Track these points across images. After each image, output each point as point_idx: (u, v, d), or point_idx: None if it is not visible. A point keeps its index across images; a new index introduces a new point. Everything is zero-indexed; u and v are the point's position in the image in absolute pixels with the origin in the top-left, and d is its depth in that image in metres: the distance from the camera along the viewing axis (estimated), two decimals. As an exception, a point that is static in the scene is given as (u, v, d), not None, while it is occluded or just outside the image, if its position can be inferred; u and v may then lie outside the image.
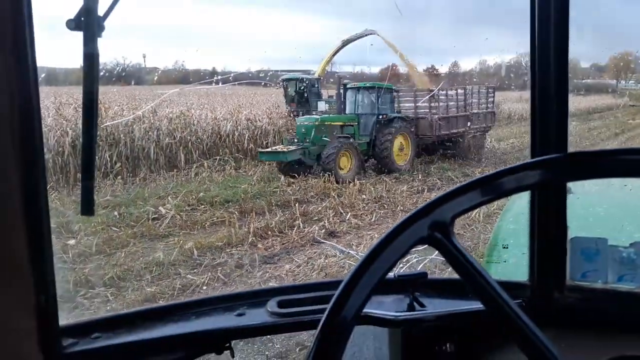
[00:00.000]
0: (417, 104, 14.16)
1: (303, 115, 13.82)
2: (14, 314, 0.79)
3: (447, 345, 1.10)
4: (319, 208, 8.76)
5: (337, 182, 10.80)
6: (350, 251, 6.64)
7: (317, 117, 12.75)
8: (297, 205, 8.76)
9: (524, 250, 1.61)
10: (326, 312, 0.63)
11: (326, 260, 6.38)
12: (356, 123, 12.97)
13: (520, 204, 2.27)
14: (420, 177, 11.69)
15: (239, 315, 1.09)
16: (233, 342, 1.08)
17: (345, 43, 16.73)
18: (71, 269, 5.78)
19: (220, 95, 17.58)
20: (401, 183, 10.93)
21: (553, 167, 0.65)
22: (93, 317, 1.05)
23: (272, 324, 1.07)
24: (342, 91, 13.54)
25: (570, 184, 1.17)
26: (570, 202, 1.11)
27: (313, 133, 11.88)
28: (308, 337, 4.46)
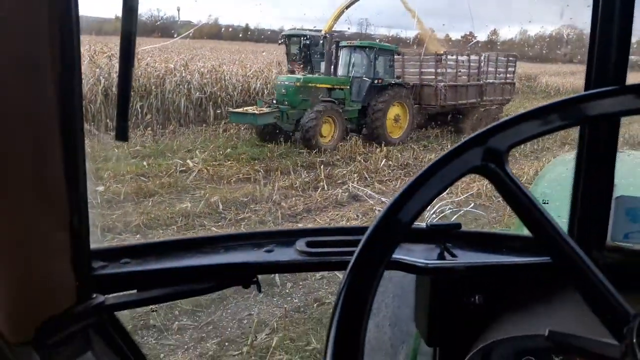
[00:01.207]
0: (422, 70, 12.72)
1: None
2: (49, 232, 0.80)
3: (476, 297, 1.08)
4: (344, 172, 8.74)
5: (312, 150, 9.80)
6: (382, 198, 6.65)
7: (299, 77, 11.16)
8: (322, 167, 8.76)
9: (560, 214, 1.57)
10: (370, 228, 0.60)
11: (348, 223, 6.40)
12: (347, 87, 11.42)
13: (555, 170, 2.20)
14: (449, 146, 11.47)
15: (268, 251, 1.09)
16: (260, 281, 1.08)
17: None
18: (99, 214, 5.94)
19: (251, 52, 17.46)
20: (429, 151, 10.78)
21: (614, 98, 0.61)
22: (123, 244, 1.06)
23: (299, 262, 1.06)
24: (333, 50, 11.84)
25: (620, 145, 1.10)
26: (619, 160, 1.06)
27: (293, 95, 10.51)
28: (326, 294, 4.54)
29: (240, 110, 10.72)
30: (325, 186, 7.79)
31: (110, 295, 0.94)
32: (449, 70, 12.70)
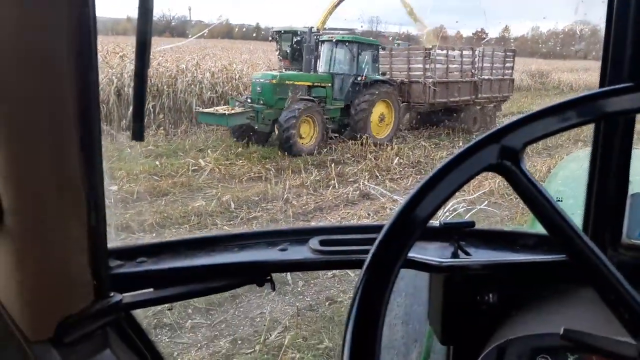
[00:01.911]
0: (410, 65, 12.02)
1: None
2: (67, 231, 0.82)
3: (490, 296, 1.08)
4: (355, 170, 8.74)
5: (292, 154, 9.18)
6: (395, 196, 6.65)
7: (275, 74, 10.38)
8: (332, 165, 8.77)
9: (574, 212, 1.56)
10: (385, 229, 0.60)
11: (359, 222, 6.40)
12: (329, 84, 10.67)
13: (570, 167, 2.19)
14: (461, 144, 11.42)
15: (282, 250, 1.09)
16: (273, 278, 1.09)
17: None
18: (112, 214, 6.00)
19: (261, 51, 17.51)
20: (440, 149, 10.73)
21: (631, 94, 0.60)
22: (139, 243, 1.07)
23: (313, 260, 1.07)
24: (312, 45, 11.15)
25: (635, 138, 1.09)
26: (634, 157, 1.05)
27: (269, 93, 9.71)
28: (337, 293, 4.54)
29: (210, 110, 9.98)
30: (337, 184, 7.80)
31: (127, 294, 0.96)
32: (438, 65, 12.05)
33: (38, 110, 0.73)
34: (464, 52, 12.79)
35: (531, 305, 1.05)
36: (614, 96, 0.61)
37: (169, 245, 1.07)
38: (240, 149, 9.58)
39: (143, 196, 6.83)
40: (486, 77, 13.15)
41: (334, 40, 11.19)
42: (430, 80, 11.79)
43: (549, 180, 2.32)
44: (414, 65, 12.10)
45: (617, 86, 0.61)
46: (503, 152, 0.61)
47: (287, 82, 10.05)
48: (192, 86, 12.27)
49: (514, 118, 0.62)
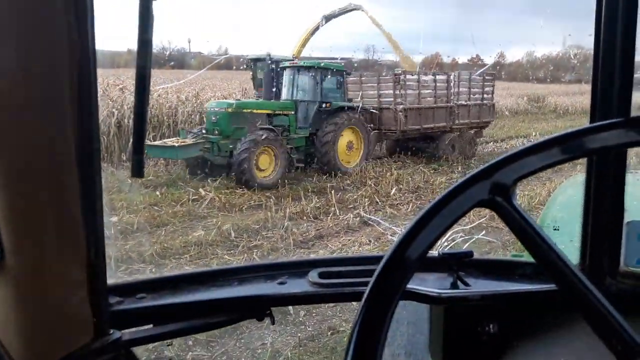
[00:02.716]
0: (381, 92, 11.60)
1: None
2: (67, 269, 0.82)
3: (490, 326, 1.07)
4: (355, 196, 8.74)
5: (249, 188, 8.57)
6: (394, 227, 6.62)
7: (232, 102, 9.90)
8: (332, 192, 8.77)
9: (572, 238, 1.56)
10: (380, 266, 0.61)
11: (360, 248, 6.37)
12: (292, 112, 10.13)
13: (568, 192, 2.20)
14: (459, 169, 11.43)
15: (281, 283, 1.09)
16: (273, 311, 1.09)
17: (327, 19, 14.20)
18: (113, 245, 5.97)
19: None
20: (439, 174, 10.75)
21: (618, 130, 0.62)
22: (138, 278, 1.07)
23: (312, 293, 1.07)
24: (271, 71, 10.65)
25: (630, 165, 1.10)
26: (629, 183, 1.06)
27: (225, 122, 9.15)
28: (340, 322, 4.49)
29: (159, 142, 9.37)
30: (337, 211, 7.79)
31: (127, 330, 0.95)
32: (409, 91, 11.60)
33: (37, 145, 0.74)
34: (438, 77, 12.37)
35: (531, 335, 1.04)
36: (603, 132, 0.62)
37: (168, 281, 1.07)
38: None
39: (143, 227, 6.81)
40: (463, 103, 12.64)
41: (296, 66, 10.78)
42: (401, 106, 11.39)
43: (547, 206, 2.32)
44: (384, 91, 11.70)
45: (605, 122, 0.62)
46: (494, 188, 0.62)
47: (244, 110, 9.51)
48: (193, 116, 12.39)
49: (507, 152, 0.63)
